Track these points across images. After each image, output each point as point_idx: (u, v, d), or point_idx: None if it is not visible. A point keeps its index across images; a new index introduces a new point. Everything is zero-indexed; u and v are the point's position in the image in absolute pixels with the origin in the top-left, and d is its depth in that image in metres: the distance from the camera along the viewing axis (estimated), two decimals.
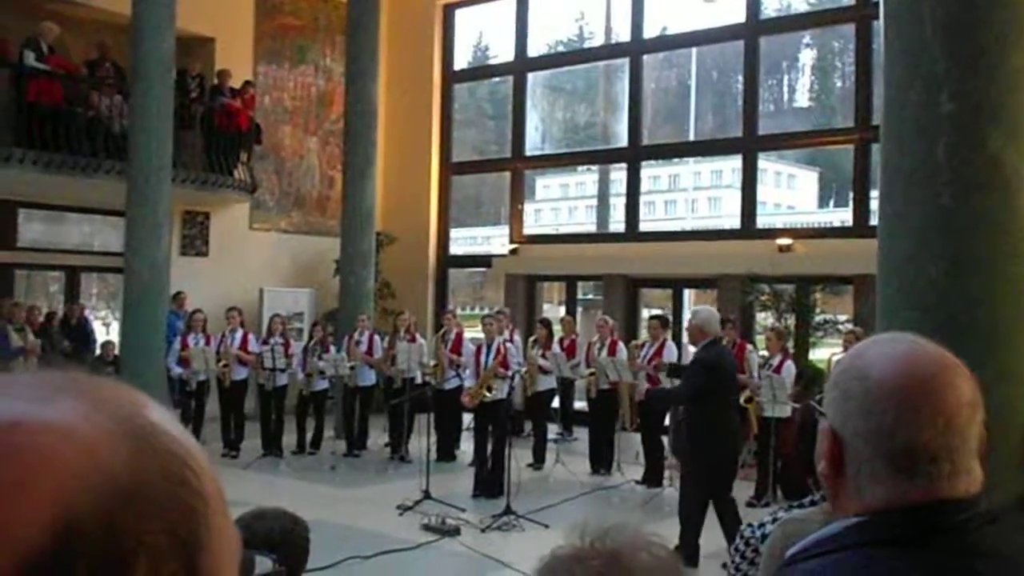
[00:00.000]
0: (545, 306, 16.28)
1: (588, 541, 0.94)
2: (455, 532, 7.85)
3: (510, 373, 9.55)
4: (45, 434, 0.53)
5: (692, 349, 7.52)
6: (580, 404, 12.35)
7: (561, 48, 17.53)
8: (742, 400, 9.81)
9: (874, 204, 12.11)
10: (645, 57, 14.93)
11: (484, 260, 16.48)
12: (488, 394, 9.49)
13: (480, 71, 17.82)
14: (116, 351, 11.65)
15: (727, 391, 7.07)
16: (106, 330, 14.09)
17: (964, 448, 1.16)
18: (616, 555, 0.92)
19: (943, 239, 3.87)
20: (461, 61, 17.14)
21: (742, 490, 9.53)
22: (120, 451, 0.54)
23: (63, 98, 12.16)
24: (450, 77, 16.70)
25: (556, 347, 11.46)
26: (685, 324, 7.49)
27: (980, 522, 1.16)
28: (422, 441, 9.70)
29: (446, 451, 11.09)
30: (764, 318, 12.49)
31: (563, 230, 23.66)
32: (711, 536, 7.51)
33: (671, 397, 8.61)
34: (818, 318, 11.70)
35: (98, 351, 12.27)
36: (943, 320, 3.75)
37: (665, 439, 10.18)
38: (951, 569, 1.13)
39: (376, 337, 11.85)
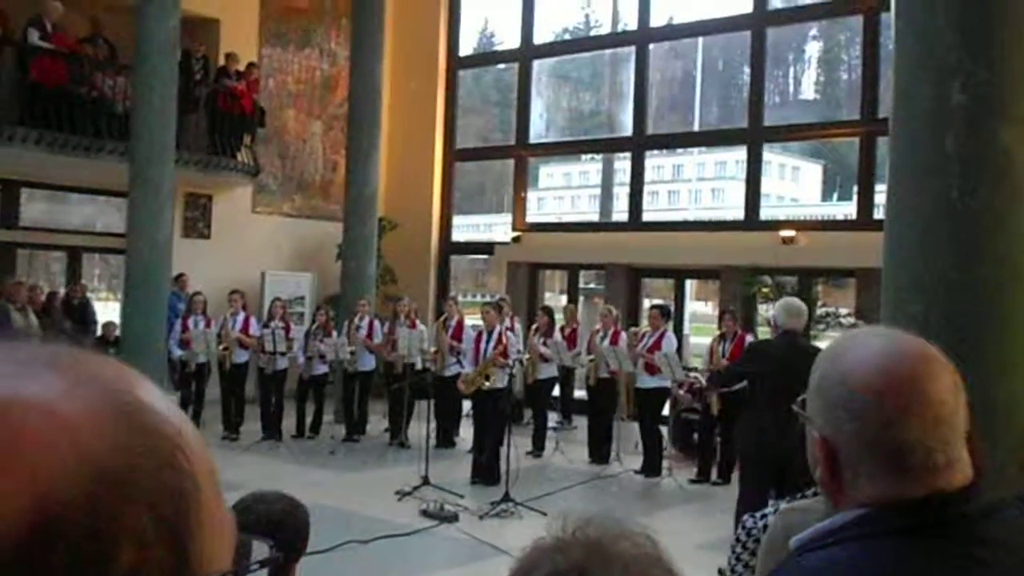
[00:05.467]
0: (547, 294, 16.26)
1: (570, 531, 0.93)
2: (453, 518, 7.85)
3: (510, 362, 9.51)
4: (21, 412, 0.49)
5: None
6: (580, 393, 12.34)
7: (567, 36, 17.47)
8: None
9: (878, 197, 12.14)
10: (651, 46, 14.87)
11: (486, 247, 16.45)
12: (486, 383, 9.46)
13: (485, 57, 17.76)
14: (117, 332, 11.65)
15: (776, 384, 5.74)
16: (107, 311, 14.07)
17: (954, 437, 1.17)
18: (597, 545, 0.91)
19: (952, 232, 3.83)
20: (466, 47, 17.07)
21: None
22: (104, 431, 0.50)
23: (67, 78, 12.12)
24: (455, 63, 16.64)
25: (557, 335, 11.45)
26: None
27: (980, 512, 1.16)
28: (421, 427, 9.70)
29: (445, 437, 11.09)
30: (766, 310, 12.47)
31: (566, 218, 23.65)
32: (711, 524, 7.51)
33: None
34: (820, 311, 11.68)
35: (99, 332, 12.26)
36: (951, 313, 3.71)
37: (664, 429, 10.17)
38: (953, 557, 1.14)
39: (376, 322, 11.84)
